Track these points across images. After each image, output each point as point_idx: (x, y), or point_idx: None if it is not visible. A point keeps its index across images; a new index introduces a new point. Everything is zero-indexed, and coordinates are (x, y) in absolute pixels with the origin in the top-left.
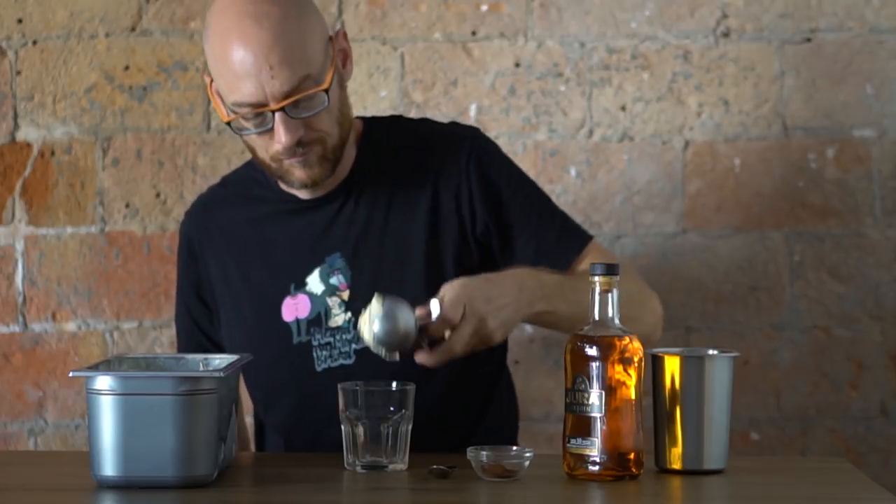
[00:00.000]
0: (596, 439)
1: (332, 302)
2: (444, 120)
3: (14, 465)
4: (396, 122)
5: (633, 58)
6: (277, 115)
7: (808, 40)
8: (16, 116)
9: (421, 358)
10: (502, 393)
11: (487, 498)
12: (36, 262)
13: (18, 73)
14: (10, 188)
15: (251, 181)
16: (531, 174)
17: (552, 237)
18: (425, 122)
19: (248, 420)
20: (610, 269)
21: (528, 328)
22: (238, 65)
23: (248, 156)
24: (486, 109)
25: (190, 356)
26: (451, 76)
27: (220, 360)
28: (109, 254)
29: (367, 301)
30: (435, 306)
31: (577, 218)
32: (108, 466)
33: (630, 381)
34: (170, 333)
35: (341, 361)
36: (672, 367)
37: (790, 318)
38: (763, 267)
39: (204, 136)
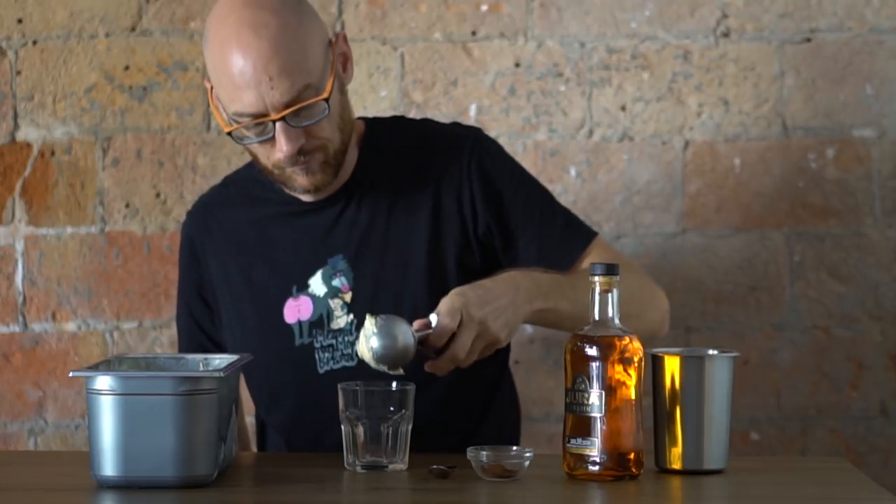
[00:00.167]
0: (596, 439)
1: (335, 304)
2: (445, 120)
3: (14, 465)
4: (398, 122)
5: (633, 58)
6: (278, 124)
7: (808, 40)
8: (16, 116)
9: (429, 367)
10: (504, 394)
11: (487, 498)
12: (36, 262)
13: (18, 73)
14: (10, 188)
15: (253, 182)
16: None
17: (555, 236)
18: (427, 123)
19: (249, 420)
20: (610, 269)
21: (528, 328)
22: (237, 76)
23: (249, 156)
24: (486, 109)
25: (190, 356)
26: (451, 76)
27: (220, 360)
28: (109, 254)
29: (369, 316)
30: (434, 318)
31: None
32: (108, 466)
33: (630, 381)
34: (170, 333)
35: (343, 363)
36: (672, 367)
37: (790, 318)
38: (763, 267)
39: (204, 136)
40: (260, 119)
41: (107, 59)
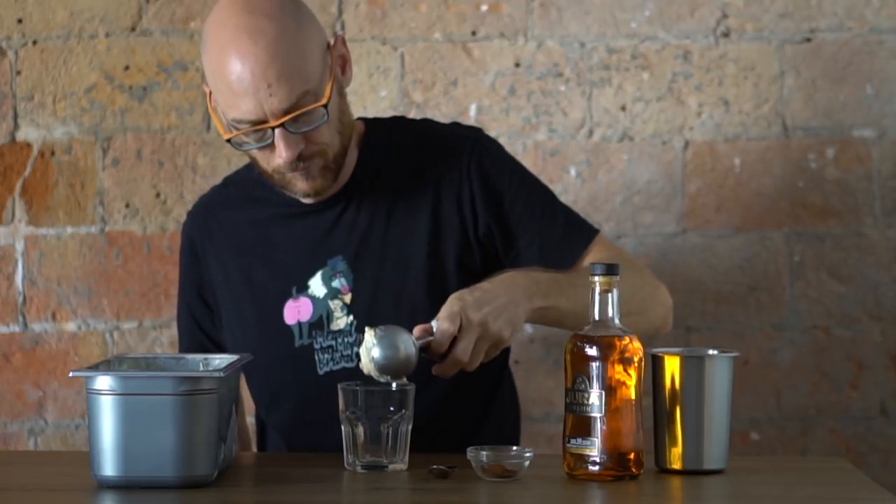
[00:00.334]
0: (596, 439)
1: (334, 305)
2: (445, 120)
3: (14, 465)
4: (398, 123)
5: (633, 58)
6: (277, 131)
7: (808, 40)
8: (16, 116)
9: (437, 370)
10: (504, 394)
11: (487, 498)
12: (36, 262)
13: (18, 73)
14: (10, 188)
15: (253, 182)
16: None
17: (556, 235)
18: (427, 123)
19: (250, 420)
20: (610, 269)
21: (529, 328)
22: (236, 83)
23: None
24: (486, 109)
25: (190, 356)
26: (451, 76)
27: (220, 360)
28: (109, 254)
29: (368, 329)
30: (435, 324)
31: None
32: (108, 466)
33: (630, 381)
34: (170, 333)
35: (343, 365)
36: (672, 367)
37: (790, 318)
38: (763, 267)
39: (204, 136)
40: (259, 126)
41: (107, 59)
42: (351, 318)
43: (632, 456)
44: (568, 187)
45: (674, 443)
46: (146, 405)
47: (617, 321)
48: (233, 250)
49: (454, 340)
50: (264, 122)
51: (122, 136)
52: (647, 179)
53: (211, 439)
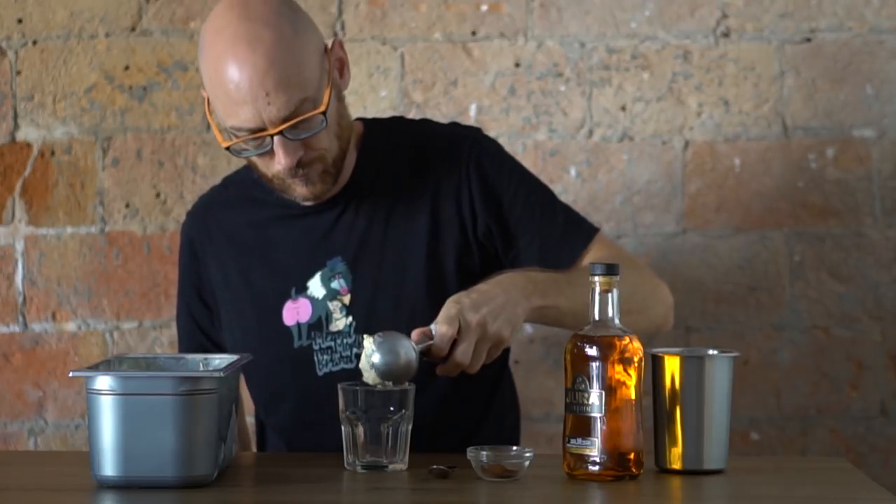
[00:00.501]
0: (596, 439)
1: (334, 306)
2: (445, 120)
3: (14, 465)
4: (397, 123)
5: (633, 58)
6: (276, 138)
7: (808, 40)
8: (16, 116)
9: (440, 371)
10: (504, 394)
11: (487, 498)
12: (36, 262)
13: (18, 73)
14: (10, 188)
15: (252, 183)
16: None
17: (556, 234)
18: (426, 123)
19: (249, 420)
20: (609, 269)
21: (529, 328)
22: (234, 91)
23: None
24: (486, 109)
25: (190, 356)
26: (451, 76)
27: (220, 360)
28: (109, 254)
29: (367, 336)
30: (434, 328)
31: None
32: (108, 466)
33: (630, 381)
34: (170, 333)
35: (343, 365)
36: (672, 367)
37: (790, 318)
38: (763, 267)
39: (204, 136)
40: (257, 134)
41: (107, 59)
42: (350, 319)
43: (632, 456)
44: (568, 187)
45: (674, 443)
46: (146, 405)
47: (617, 321)
48: (232, 251)
49: (454, 343)
50: (263, 129)
51: (122, 136)
52: (647, 179)
53: (211, 439)
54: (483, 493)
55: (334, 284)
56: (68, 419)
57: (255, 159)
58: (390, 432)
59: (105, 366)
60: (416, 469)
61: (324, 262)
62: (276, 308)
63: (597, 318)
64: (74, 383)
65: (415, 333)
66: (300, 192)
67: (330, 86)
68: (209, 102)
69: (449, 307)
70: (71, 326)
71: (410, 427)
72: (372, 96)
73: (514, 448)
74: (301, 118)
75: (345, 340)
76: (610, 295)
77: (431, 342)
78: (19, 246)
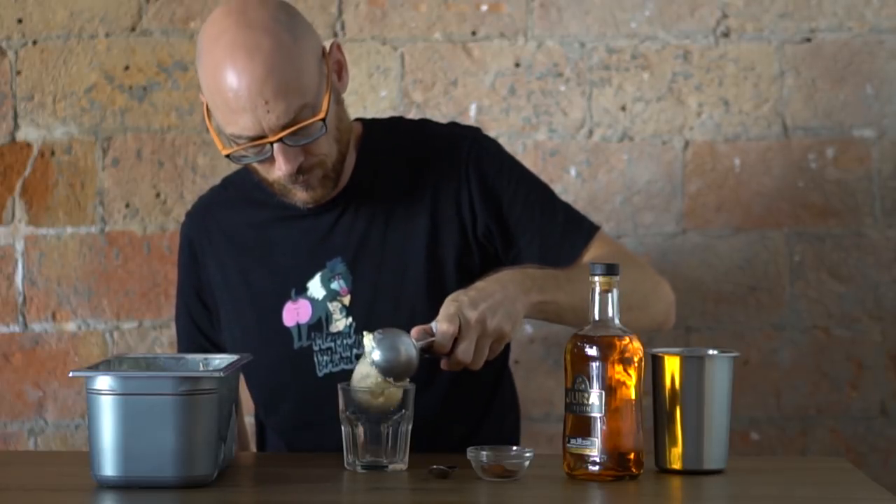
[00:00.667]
0: (596, 439)
1: (333, 307)
2: (444, 120)
3: (14, 465)
4: (396, 123)
5: (633, 58)
6: (276, 145)
7: (808, 40)
8: (16, 116)
9: (445, 366)
10: (504, 394)
11: (487, 498)
12: (36, 262)
13: (18, 73)
14: (10, 188)
15: (252, 184)
16: None
17: (556, 233)
18: (425, 123)
19: (249, 420)
20: (609, 269)
21: (529, 328)
22: (232, 100)
23: None
24: (486, 109)
25: (190, 356)
26: (451, 76)
27: (220, 360)
28: (109, 254)
29: (366, 333)
30: (435, 326)
31: None
32: (108, 466)
33: (630, 381)
34: (170, 333)
35: (343, 366)
36: (672, 367)
37: (790, 318)
38: (763, 267)
39: (204, 136)
40: (257, 141)
41: (107, 59)
42: (350, 319)
43: (632, 456)
44: (568, 187)
45: (674, 443)
46: (146, 405)
47: (617, 321)
48: (232, 251)
49: (455, 341)
50: (262, 137)
51: (122, 136)
52: (647, 179)
53: (211, 439)
54: (483, 493)
55: (334, 285)
56: (68, 419)
57: (255, 165)
58: (390, 432)
59: (105, 366)
60: (416, 469)
61: (323, 262)
62: (275, 309)
63: (597, 318)
64: (74, 383)
65: (415, 331)
66: (301, 197)
67: (329, 91)
68: (208, 108)
69: (448, 305)
70: (71, 326)
71: (410, 427)
72: (372, 96)
73: (514, 448)
74: (300, 125)
75: (345, 341)
76: (610, 295)
77: (432, 339)
78: (19, 246)
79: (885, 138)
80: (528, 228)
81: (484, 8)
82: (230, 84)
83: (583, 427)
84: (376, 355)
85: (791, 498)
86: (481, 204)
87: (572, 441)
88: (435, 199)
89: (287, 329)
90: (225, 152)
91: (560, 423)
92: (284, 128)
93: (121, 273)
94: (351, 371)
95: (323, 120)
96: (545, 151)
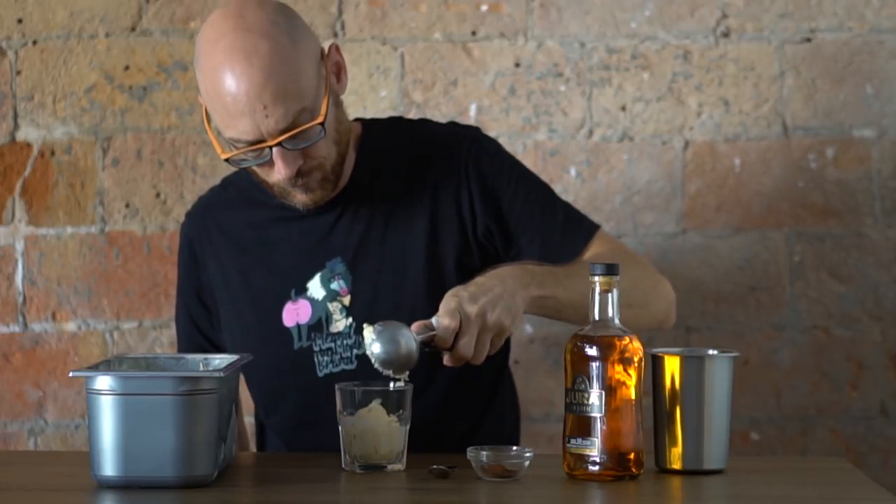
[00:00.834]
0: (596, 439)
1: (333, 307)
2: (444, 120)
3: (14, 465)
4: (395, 123)
5: (633, 58)
6: (275, 149)
7: (808, 40)
8: (16, 116)
9: (447, 362)
10: (504, 394)
11: (487, 498)
12: (36, 262)
13: (18, 73)
14: (10, 188)
15: (252, 184)
16: None
17: (556, 232)
18: (424, 123)
19: (249, 420)
20: (609, 269)
21: (529, 328)
22: (231, 104)
23: None
24: (486, 109)
25: (190, 356)
26: (451, 76)
27: (220, 360)
28: (109, 254)
29: (366, 326)
30: (435, 321)
31: None
32: (108, 466)
33: (630, 381)
34: (170, 333)
35: (343, 367)
36: (672, 367)
37: (790, 318)
38: (763, 267)
39: (204, 136)
40: (256, 146)
41: (107, 59)
42: (350, 320)
43: (632, 456)
44: (568, 187)
45: (674, 443)
46: (146, 405)
47: (617, 321)
48: (231, 252)
49: (456, 336)
50: (261, 141)
51: (122, 136)
52: (647, 179)
53: (211, 439)
54: (483, 493)
55: (334, 285)
56: (68, 419)
57: (254, 168)
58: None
59: (105, 366)
60: (416, 469)
61: (323, 263)
62: (275, 309)
63: (597, 317)
64: (74, 383)
65: (415, 325)
66: (300, 199)
67: (327, 93)
68: (207, 111)
69: (448, 300)
70: (71, 326)
71: (409, 427)
72: (372, 96)
73: (514, 448)
74: (299, 129)
75: (345, 341)
76: (610, 295)
77: (432, 333)
78: (19, 246)
79: (885, 138)
80: (528, 228)
81: (484, 8)
82: (228, 88)
83: (583, 427)
84: (376, 347)
85: (791, 498)
86: (481, 203)
87: (572, 441)
88: (435, 198)
89: (287, 329)
90: (224, 156)
91: (560, 423)
92: (283, 132)
93: (121, 273)
94: (351, 371)
95: (322, 123)
96: (545, 151)
